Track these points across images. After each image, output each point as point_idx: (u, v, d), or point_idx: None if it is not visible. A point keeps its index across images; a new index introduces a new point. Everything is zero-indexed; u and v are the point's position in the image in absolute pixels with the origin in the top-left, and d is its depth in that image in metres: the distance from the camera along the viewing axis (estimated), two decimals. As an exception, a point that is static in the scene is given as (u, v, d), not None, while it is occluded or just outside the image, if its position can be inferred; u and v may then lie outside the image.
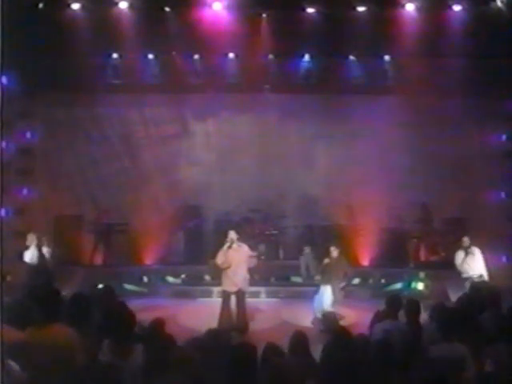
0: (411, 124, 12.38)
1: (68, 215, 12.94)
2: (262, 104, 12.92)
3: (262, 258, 11.65)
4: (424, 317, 5.70)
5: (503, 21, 10.79)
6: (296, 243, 12.93)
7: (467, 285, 9.18)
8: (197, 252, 12.68)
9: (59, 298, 4.53)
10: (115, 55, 12.43)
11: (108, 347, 4.20)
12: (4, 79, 10.19)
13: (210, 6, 11.31)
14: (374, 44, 11.64)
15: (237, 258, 9.07)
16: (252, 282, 9.75)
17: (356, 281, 11.69)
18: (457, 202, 12.40)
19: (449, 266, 10.41)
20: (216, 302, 9.66)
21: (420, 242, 12.81)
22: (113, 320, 4.40)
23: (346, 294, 10.03)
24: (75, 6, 11.23)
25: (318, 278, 10.71)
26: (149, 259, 12.83)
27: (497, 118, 12.60)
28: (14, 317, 4.19)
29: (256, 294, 10.94)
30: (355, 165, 12.70)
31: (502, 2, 10.88)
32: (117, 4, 11.27)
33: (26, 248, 10.07)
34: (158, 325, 4.79)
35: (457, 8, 11.27)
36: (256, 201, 12.80)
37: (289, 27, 11.48)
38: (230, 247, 9.09)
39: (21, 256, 9.91)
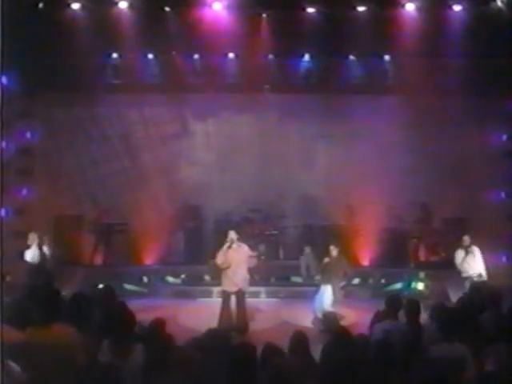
0: (411, 124, 12.37)
1: (68, 215, 12.93)
2: (262, 104, 12.91)
3: (262, 258, 11.65)
4: (424, 317, 5.70)
5: (503, 21, 10.79)
6: (296, 243, 12.93)
7: (467, 284, 9.21)
8: (197, 252, 12.68)
9: (59, 298, 4.53)
10: (115, 55, 12.42)
11: (108, 347, 4.20)
12: (4, 79, 10.20)
13: (210, 5, 11.30)
14: (374, 44, 11.64)
15: (237, 257, 9.06)
16: (252, 282, 9.74)
17: (356, 281, 11.69)
18: (457, 201, 12.40)
19: (449, 266, 10.42)
20: (216, 302, 9.66)
21: (420, 242, 12.80)
22: (113, 320, 4.40)
23: (346, 294, 10.03)
24: (75, 6, 11.23)
25: (318, 277, 10.71)
26: (149, 259, 12.82)
27: (497, 118, 12.60)
28: (14, 317, 4.19)
29: (256, 294, 10.94)
30: (355, 165, 12.68)
31: (502, 1, 10.87)
32: (117, 4, 11.27)
33: (28, 247, 10.09)
34: (158, 325, 4.78)
35: (457, 8, 11.27)
36: (256, 201, 12.79)
37: (289, 27, 11.47)
38: (229, 247, 9.08)
39: (22, 255, 9.92)
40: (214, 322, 8.31)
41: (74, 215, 13.00)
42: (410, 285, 11.57)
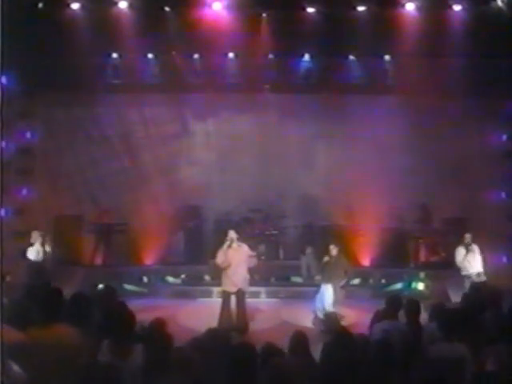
0: (411, 124, 12.38)
1: (68, 215, 12.93)
2: (262, 104, 12.91)
3: (262, 258, 11.65)
4: (424, 317, 5.70)
5: (503, 21, 10.79)
6: (296, 243, 12.93)
7: (467, 283, 9.22)
8: (197, 252, 12.69)
9: (60, 297, 4.52)
10: (115, 55, 12.43)
11: (108, 347, 4.19)
12: (4, 79, 10.23)
13: (210, 5, 11.31)
14: (374, 44, 11.64)
15: (237, 257, 9.07)
16: (252, 282, 9.75)
17: (356, 281, 11.70)
18: (457, 201, 12.40)
19: (449, 266, 10.43)
20: (216, 302, 9.67)
21: (420, 242, 12.80)
22: (113, 320, 4.39)
23: (346, 294, 10.02)
24: (75, 6, 11.24)
25: (318, 277, 10.71)
26: (149, 259, 12.82)
27: (497, 118, 12.61)
28: (14, 317, 4.18)
29: (256, 294, 10.95)
30: (355, 165, 12.69)
31: (502, 1, 10.87)
32: (116, 4, 11.27)
33: (31, 245, 10.11)
34: (158, 325, 4.77)
35: (457, 8, 11.27)
36: (256, 201, 12.79)
37: (289, 27, 11.47)
38: (229, 246, 9.09)
39: (23, 254, 9.93)
40: (213, 322, 8.30)
41: (73, 215, 13.00)
42: (410, 285, 11.58)
